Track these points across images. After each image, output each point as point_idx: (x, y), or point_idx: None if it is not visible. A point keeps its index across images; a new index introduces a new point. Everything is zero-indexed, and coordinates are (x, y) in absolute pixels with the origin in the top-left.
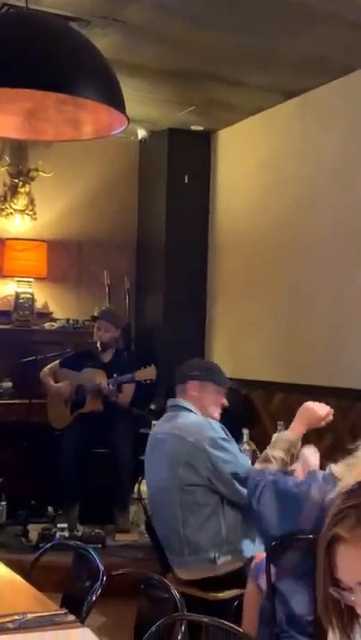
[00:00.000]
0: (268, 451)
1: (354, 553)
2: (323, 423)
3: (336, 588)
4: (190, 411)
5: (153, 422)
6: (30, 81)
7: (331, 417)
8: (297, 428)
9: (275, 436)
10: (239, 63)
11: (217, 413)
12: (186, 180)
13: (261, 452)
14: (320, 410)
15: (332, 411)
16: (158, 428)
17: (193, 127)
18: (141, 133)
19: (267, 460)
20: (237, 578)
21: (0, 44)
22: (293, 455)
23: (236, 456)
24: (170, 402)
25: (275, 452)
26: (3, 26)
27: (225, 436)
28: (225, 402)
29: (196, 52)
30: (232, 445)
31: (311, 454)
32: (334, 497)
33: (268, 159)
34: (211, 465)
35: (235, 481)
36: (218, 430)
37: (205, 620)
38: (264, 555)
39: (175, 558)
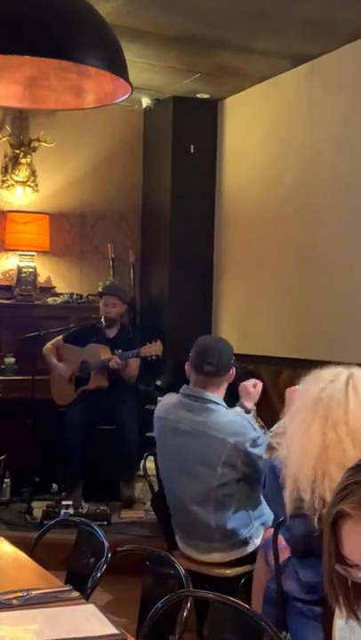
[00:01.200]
0: (272, 439)
1: (359, 529)
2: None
3: (342, 565)
4: (219, 404)
5: (159, 398)
6: (31, 48)
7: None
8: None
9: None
10: (246, 28)
11: None
12: (192, 150)
13: (269, 428)
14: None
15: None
16: (177, 416)
17: (199, 95)
18: (145, 102)
19: (272, 447)
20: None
21: None
22: None
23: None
24: (194, 392)
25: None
26: None
27: (261, 433)
28: None
29: (201, 17)
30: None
31: None
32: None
33: (275, 127)
34: (251, 464)
35: None
36: (256, 428)
37: (212, 596)
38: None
39: (201, 544)
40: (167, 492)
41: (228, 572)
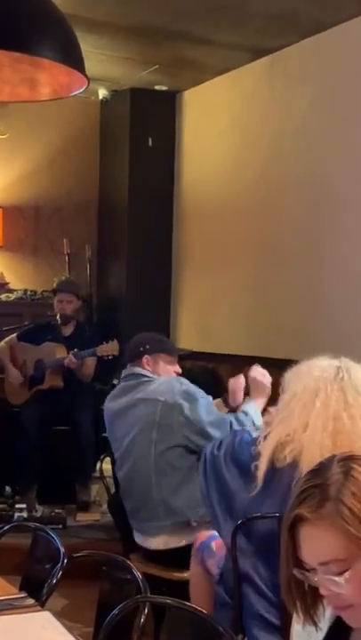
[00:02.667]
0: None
1: (317, 533)
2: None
3: (299, 569)
4: (153, 377)
5: None
6: None
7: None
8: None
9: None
10: (206, 20)
11: None
12: (150, 143)
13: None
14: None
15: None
16: (115, 399)
17: (157, 87)
18: (102, 93)
19: None
20: None
21: None
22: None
23: (209, 404)
24: (125, 372)
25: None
26: None
27: (196, 388)
28: (178, 369)
29: (160, 8)
30: (204, 396)
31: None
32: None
33: (235, 121)
34: (184, 418)
35: (209, 429)
36: (187, 382)
37: (169, 601)
38: (209, 534)
39: (149, 525)
40: (120, 481)
41: (186, 574)
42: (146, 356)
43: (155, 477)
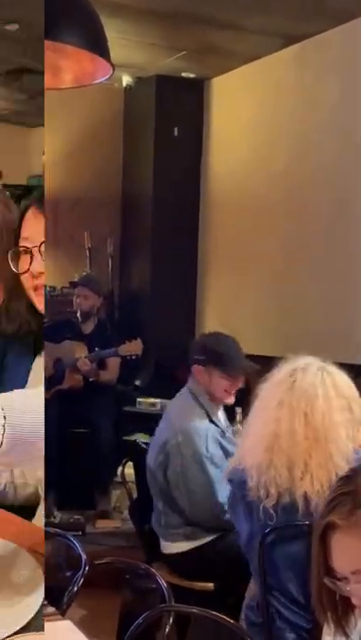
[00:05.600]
0: None
1: (349, 541)
2: None
3: (331, 578)
4: (192, 395)
5: (138, 400)
6: None
7: None
8: None
9: None
10: (235, 4)
11: (227, 399)
12: (175, 133)
13: None
14: None
15: None
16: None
17: (184, 74)
18: (126, 80)
19: None
20: (229, 566)
21: None
22: None
23: (213, 480)
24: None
25: None
26: None
27: (213, 453)
28: (239, 385)
29: None
30: (214, 467)
31: None
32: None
33: (265, 110)
34: (181, 470)
35: (193, 498)
36: (210, 446)
37: (195, 610)
38: None
39: (157, 527)
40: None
41: (211, 584)
42: (198, 365)
43: (159, 489)
